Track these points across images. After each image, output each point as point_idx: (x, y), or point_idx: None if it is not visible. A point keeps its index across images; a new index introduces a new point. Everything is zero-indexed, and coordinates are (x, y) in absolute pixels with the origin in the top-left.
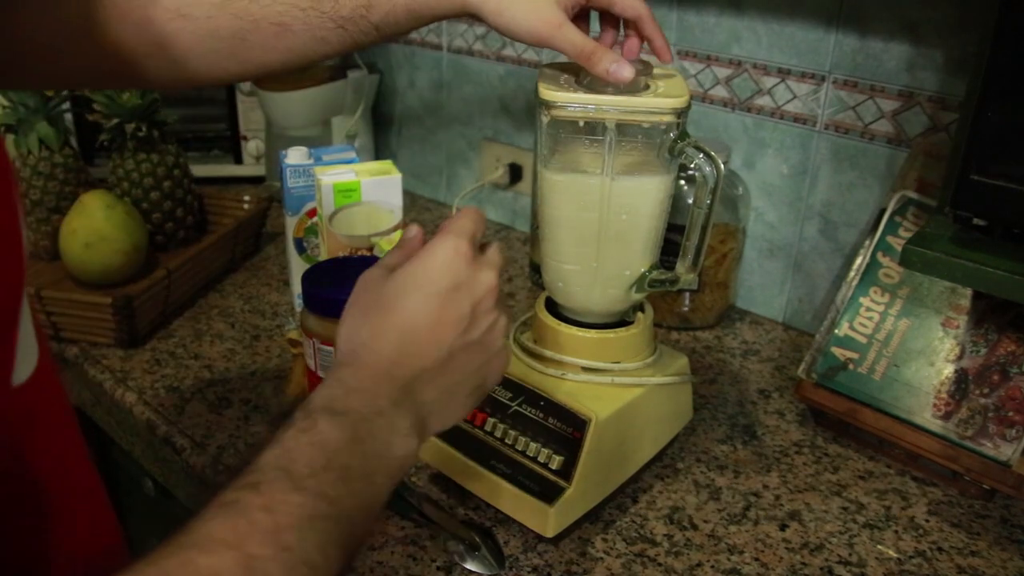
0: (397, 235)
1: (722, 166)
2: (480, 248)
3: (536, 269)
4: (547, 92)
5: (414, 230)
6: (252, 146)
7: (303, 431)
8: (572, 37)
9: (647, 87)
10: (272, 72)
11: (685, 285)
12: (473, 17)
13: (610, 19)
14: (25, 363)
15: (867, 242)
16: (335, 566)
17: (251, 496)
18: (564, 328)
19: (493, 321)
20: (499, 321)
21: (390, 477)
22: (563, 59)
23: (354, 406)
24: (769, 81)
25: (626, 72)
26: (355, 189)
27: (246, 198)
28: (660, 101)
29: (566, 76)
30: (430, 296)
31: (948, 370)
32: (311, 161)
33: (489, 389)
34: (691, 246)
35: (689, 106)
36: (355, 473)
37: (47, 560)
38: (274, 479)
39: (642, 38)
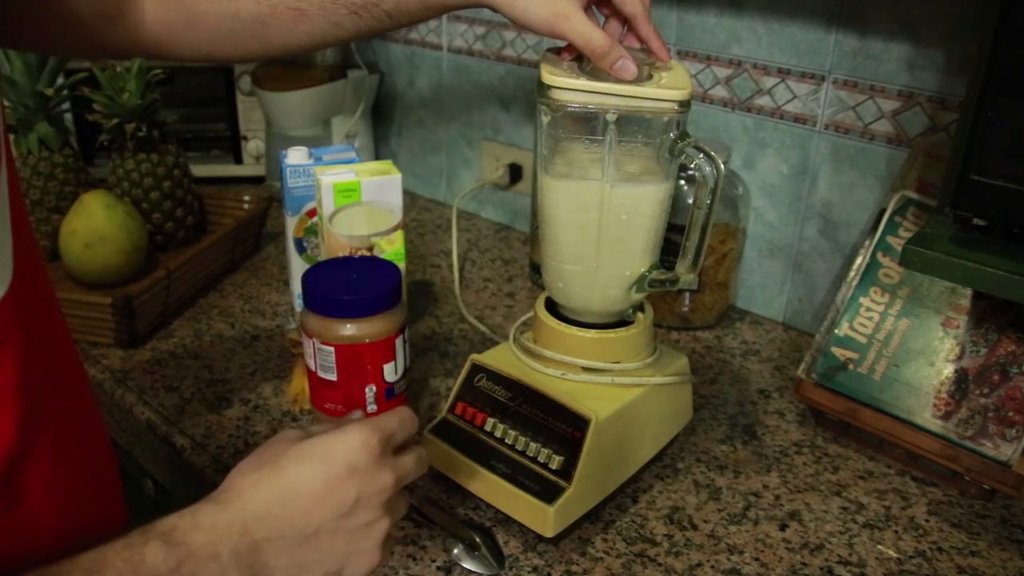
0: (398, 235)
1: (722, 166)
2: (400, 448)
3: (536, 269)
4: (549, 77)
5: (358, 414)
6: (252, 146)
7: (129, 546)
8: (581, 28)
9: (650, 77)
10: (294, 53)
11: (685, 285)
12: (486, 7)
13: (616, 12)
14: None
15: (867, 242)
16: None
17: None
18: (564, 328)
19: (373, 520)
20: (379, 523)
21: None
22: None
23: (193, 542)
24: (769, 81)
25: (630, 71)
26: (355, 189)
27: (246, 198)
28: (663, 92)
29: (569, 62)
30: (320, 473)
31: (948, 370)
32: (311, 161)
33: None
34: (691, 246)
35: (691, 97)
36: None
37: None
38: None
39: (639, 39)
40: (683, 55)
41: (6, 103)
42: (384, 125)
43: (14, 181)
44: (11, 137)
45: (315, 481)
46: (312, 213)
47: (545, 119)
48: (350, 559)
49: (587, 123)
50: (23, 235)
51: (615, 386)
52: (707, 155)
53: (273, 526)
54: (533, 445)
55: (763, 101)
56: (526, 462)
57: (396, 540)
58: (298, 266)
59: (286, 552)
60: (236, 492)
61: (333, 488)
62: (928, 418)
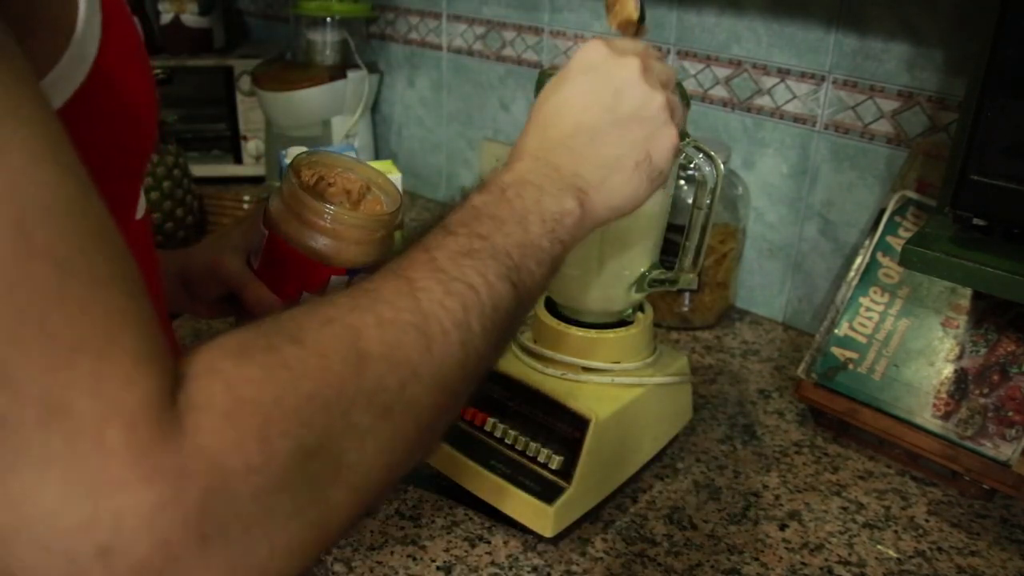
0: (398, 235)
1: (722, 166)
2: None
3: None
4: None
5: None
6: (252, 146)
7: (461, 205)
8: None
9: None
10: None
11: (685, 285)
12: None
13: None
14: (140, 204)
15: (867, 242)
16: (504, 294)
17: (414, 247)
18: (564, 328)
19: (644, 96)
20: (653, 97)
21: (545, 227)
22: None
23: (502, 178)
24: (769, 81)
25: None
26: None
27: (246, 198)
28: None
29: None
30: (568, 81)
31: (948, 370)
32: None
33: (658, 166)
34: (691, 246)
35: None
36: (506, 219)
37: None
38: (433, 232)
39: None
40: (683, 55)
41: None
42: (384, 125)
43: None
44: None
45: (568, 92)
46: None
47: None
48: (649, 142)
49: None
50: None
51: (615, 386)
52: (707, 155)
53: (557, 148)
54: (533, 445)
55: (763, 101)
56: (526, 462)
57: (397, 539)
58: None
59: (583, 161)
60: (529, 126)
61: (583, 90)
62: (928, 418)
